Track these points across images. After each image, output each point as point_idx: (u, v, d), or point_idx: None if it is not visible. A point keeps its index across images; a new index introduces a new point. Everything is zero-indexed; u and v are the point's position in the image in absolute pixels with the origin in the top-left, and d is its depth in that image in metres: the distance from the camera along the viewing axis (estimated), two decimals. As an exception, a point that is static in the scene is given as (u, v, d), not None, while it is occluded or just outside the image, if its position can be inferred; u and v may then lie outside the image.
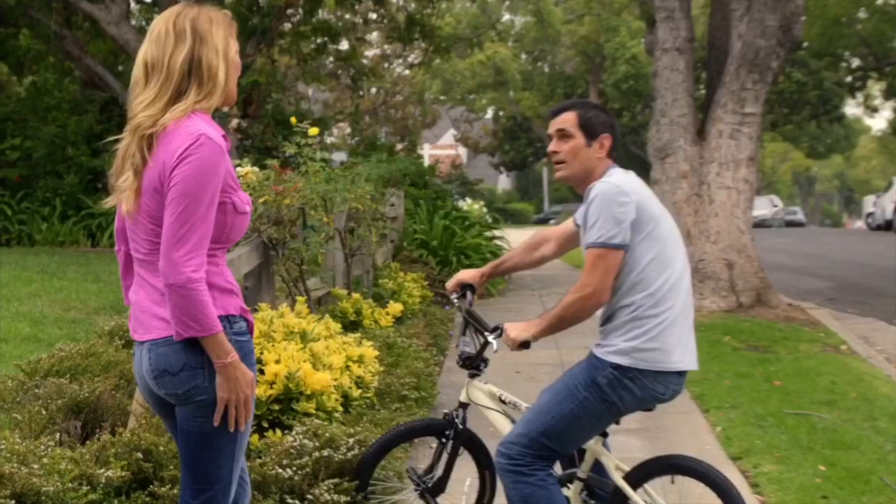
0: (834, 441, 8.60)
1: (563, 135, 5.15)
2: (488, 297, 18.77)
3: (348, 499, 6.08)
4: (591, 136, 5.13)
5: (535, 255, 5.75)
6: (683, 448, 8.17)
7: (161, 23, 4.04)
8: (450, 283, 5.82)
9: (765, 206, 63.92)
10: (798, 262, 28.20)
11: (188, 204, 3.83)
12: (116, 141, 4.13)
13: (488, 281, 5.87)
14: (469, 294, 5.74)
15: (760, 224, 54.92)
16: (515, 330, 5.11)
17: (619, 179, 4.98)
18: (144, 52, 4.03)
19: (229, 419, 3.99)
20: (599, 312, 5.02)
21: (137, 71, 4.03)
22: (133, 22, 26.48)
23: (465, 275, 5.79)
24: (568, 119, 5.16)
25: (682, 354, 4.96)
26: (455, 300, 5.80)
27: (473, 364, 5.54)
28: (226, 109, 4.15)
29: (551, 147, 5.20)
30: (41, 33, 25.99)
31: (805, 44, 49.18)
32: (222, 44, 4.05)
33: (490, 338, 5.33)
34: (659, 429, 8.98)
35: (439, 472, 5.73)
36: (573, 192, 5.37)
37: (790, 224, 66.04)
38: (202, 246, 3.85)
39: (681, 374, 5.00)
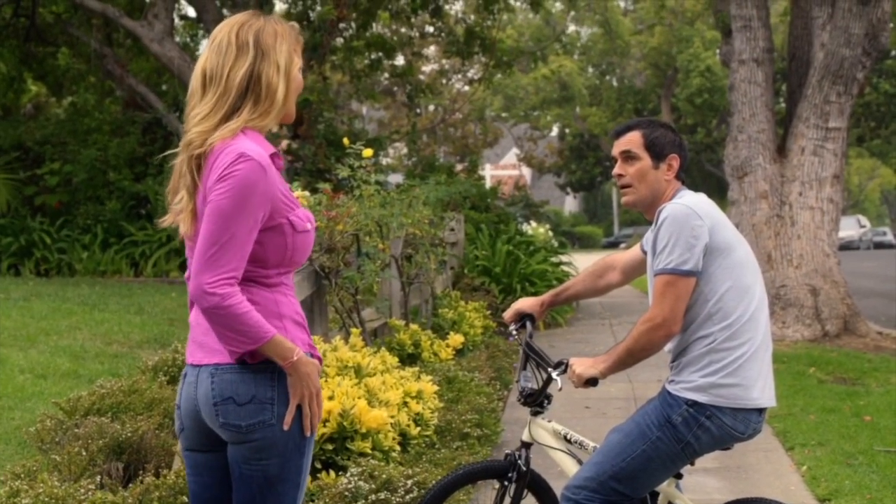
0: (929, 481, 8.49)
1: (629, 157, 5.12)
2: (555, 326, 18.76)
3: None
4: (658, 156, 5.09)
5: (600, 283, 5.72)
6: (766, 489, 8.12)
7: (224, 32, 4.04)
8: (507, 314, 5.77)
9: (851, 227, 63.50)
10: (888, 286, 27.94)
11: (221, 223, 3.82)
12: (165, 160, 4.13)
13: (549, 310, 5.82)
14: (529, 325, 5.69)
15: (847, 246, 54.55)
16: (582, 366, 5.06)
17: (691, 201, 4.94)
18: (204, 60, 4.03)
19: (304, 421, 3.97)
20: (669, 346, 4.98)
21: (195, 81, 4.03)
22: (177, 39, 26.76)
23: (524, 304, 5.74)
24: (633, 140, 5.12)
25: (763, 390, 4.90)
26: (514, 331, 5.75)
27: (536, 401, 5.48)
28: (275, 130, 4.13)
29: (616, 170, 5.17)
30: (81, 52, 26.31)
31: (893, 52, 48.81)
32: (285, 60, 4.03)
33: (554, 374, 5.25)
34: (739, 468, 8.90)
35: (502, 516, 5.68)
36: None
37: (879, 246, 65.47)
38: (235, 269, 3.83)
39: (761, 411, 4.93)
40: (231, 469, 4.05)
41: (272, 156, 4.00)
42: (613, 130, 5.27)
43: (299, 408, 3.97)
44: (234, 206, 3.83)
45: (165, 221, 4.14)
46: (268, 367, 3.93)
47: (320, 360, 4.14)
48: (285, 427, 3.94)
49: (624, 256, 5.67)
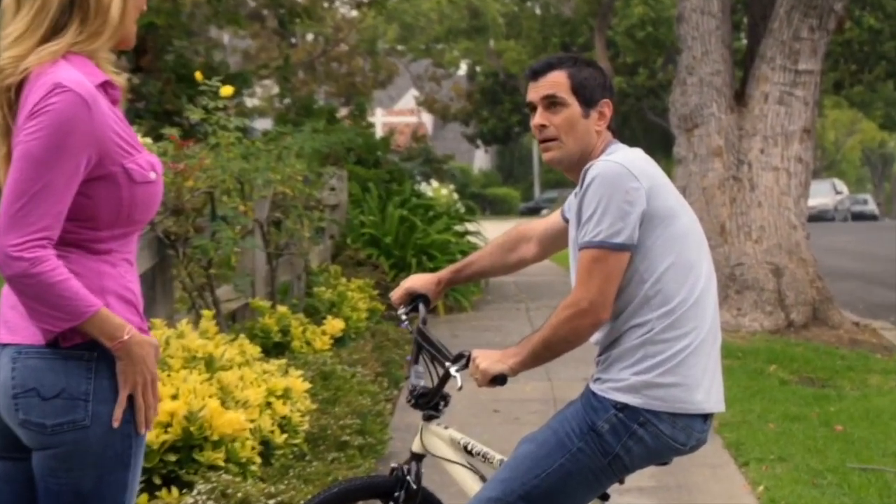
0: (913, 505, 8.63)
1: (553, 103, 5.05)
2: (458, 311, 18.81)
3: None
4: (588, 102, 5.05)
5: (512, 257, 5.70)
6: (713, 514, 8.20)
7: None
8: (395, 294, 5.72)
9: (825, 194, 64.33)
10: (867, 266, 28.35)
11: (31, 170, 3.75)
12: None
13: (448, 289, 5.81)
14: (422, 307, 5.64)
15: (819, 217, 55.28)
16: (487, 360, 5.00)
17: (624, 158, 4.90)
18: None
19: (137, 416, 3.91)
20: (596, 336, 4.98)
21: None
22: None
23: (416, 281, 5.70)
24: (558, 82, 5.05)
25: (709, 392, 4.91)
26: (403, 316, 5.70)
27: (430, 403, 5.45)
28: (111, 59, 4.07)
29: (537, 119, 5.08)
30: None
31: (879, -20, 49.39)
32: None
33: (452, 369, 5.19)
34: (681, 487, 8.98)
35: (386, 545, 5.68)
36: (569, 175, 5.28)
37: (858, 217, 66.46)
38: (48, 227, 3.75)
39: (707, 417, 4.95)
40: (36, 483, 3.96)
41: (104, 85, 3.95)
42: (529, 70, 5.18)
43: (130, 401, 3.92)
44: (47, 148, 3.76)
45: None
46: (84, 352, 3.85)
47: (156, 348, 4.08)
48: (115, 424, 3.88)
49: (541, 225, 5.66)
